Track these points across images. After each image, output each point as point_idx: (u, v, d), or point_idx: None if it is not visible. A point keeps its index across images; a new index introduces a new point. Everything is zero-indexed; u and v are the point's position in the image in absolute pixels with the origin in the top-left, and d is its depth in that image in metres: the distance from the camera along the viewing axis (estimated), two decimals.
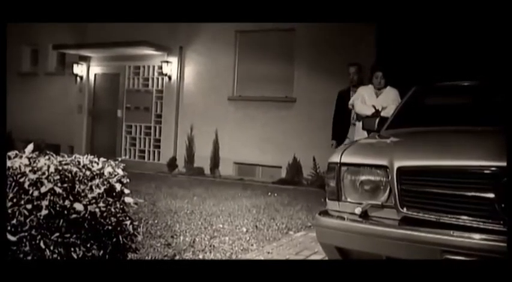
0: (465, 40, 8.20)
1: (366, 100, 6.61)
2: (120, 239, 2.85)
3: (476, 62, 7.51)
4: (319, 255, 4.16)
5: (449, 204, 2.57)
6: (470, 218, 2.51)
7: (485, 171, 2.50)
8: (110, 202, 2.82)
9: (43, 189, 2.57)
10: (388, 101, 6.46)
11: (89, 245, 2.67)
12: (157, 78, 11.88)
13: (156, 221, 5.27)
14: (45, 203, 2.55)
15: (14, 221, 2.47)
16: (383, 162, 2.85)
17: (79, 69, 12.76)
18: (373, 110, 6.37)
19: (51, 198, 2.58)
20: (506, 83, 4.48)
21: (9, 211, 2.46)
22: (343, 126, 7.23)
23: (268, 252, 4.32)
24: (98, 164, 2.93)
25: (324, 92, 8.99)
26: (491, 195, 2.45)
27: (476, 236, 2.43)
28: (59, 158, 2.81)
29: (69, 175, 2.71)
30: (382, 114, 6.04)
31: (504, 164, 2.44)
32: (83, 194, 2.71)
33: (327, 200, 3.14)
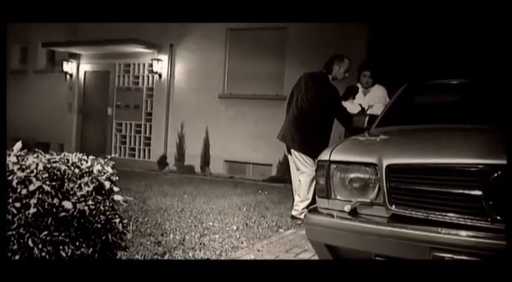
0: (456, 39, 8.24)
1: (354, 99, 6.54)
2: (110, 237, 2.85)
3: (467, 60, 7.54)
4: (309, 253, 4.17)
5: (438, 201, 2.58)
6: (458, 216, 2.52)
7: (473, 169, 2.51)
8: (99, 200, 2.82)
9: (31, 187, 2.56)
10: (375, 99, 6.39)
11: (77, 243, 2.66)
12: (148, 76, 11.84)
13: (146, 219, 5.26)
14: (33, 201, 2.54)
15: None
16: (372, 160, 2.86)
17: (69, 66, 12.71)
18: (360, 109, 6.26)
19: (40, 196, 2.57)
20: (496, 82, 4.51)
21: None
22: None
23: (258, 250, 4.32)
24: (87, 162, 2.92)
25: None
26: (479, 193, 2.46)
27: (464, 233, 2.45)
28: (48, 156, 2.80)
29: (58, 173, 2.71)
30: (369, 112, 5.94)
31: (492, 161, 2.47)
32: (71, 192, 2.70)
33: (316, 197, 3.15)
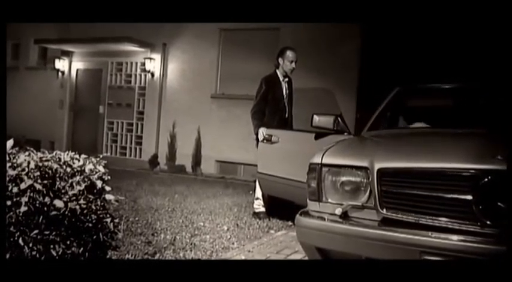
0: (450, 42, 8.28)
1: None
2: (101, 236, 2.85)
3: (461, 64, 7.58)
4: (300, 254, 4.18)
5: (428, 205, 2.60)
6: (449, 220, 2.53)
7: (464, 174, 2.53)
8: (91, 199, 2.81)
9: (23, 186, 2.55)
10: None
11: (68, 242, 2.66)
12: (140, 75, 11.83)
13: (136, 219, 5.25)
14: (24, 199, 2.53)
15: None
16: (364, 163, 2.87)
17: (61, 64, 12.66)
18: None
19: (31, 194, 2.56)
20: (488, 86, 4.55)
21: None
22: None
23: (249, 251, 4.33)
24: (79, 160, 2.92)
25: (307, 92, 9.02)
26: (469, 197, 2.48)
27: (454, 237, 2.46)
28: (40, 154, 2.79)
29: (50, 172, 2.70)
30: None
31: (482, 166, 2.48)
32: (63, 191, 2.70)
33: (307, 200, 3.15)
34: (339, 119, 4.12)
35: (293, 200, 4.98)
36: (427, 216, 2.59)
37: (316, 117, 4.17)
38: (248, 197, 7.40)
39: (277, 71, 6.00)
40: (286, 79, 6.03)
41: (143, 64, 11.54)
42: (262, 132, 5.57)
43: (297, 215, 3.11)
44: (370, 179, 2.81)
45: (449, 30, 7.84)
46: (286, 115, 6.05)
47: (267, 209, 5.87)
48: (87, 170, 2.88)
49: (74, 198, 2.71)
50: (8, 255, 2.45)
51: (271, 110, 5.91)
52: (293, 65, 5.90)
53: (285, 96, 6.02)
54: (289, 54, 5.89)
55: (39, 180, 2.61)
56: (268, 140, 5.43)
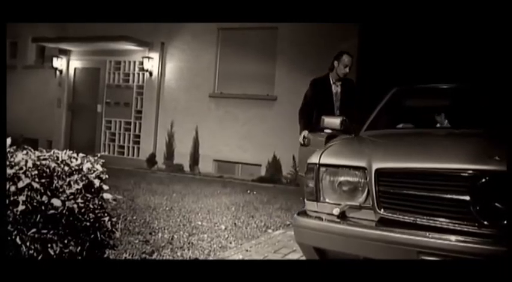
0: (448, 42, 8.30)
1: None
2: (98, 235, 2.84)
3: (458, 64, 7.60)
4: (297, 253, 4.18)
5: (426, 206, 2.60)
6: (446, 220, 2.54)
7: (461, 174, 2.53)
8: (89, 198, 2.80)
9: (20, 184, 2.54)
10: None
11: (66, 241, 2.65)
12: (138, 74, 11.82)
13: (134, 218, 5.25)
14: (22, 198, 2.53)
15: None
16: (361, 163, 2.87)
17: (59, 62, 12.63)
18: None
19: (29, 193, 2.55)
20: (486, 87, 4.56)
21: None
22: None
23: (247, 250, 4.33)
24: (76, 159, 2.91)
25: (304, 91, 9.02)
26: (467, 198, 2.48)
27: (452, 237, 2.46)
28: (37, 153, 2.79)
29: (47, 170, 2.69)
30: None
31: (479, 167, 2.49)
32: (61, 190, 2.69)
33: (305, 200, 3.16)
34: (346, 120, 4.16)
35: None
36: (425, 217, 2.60)
37: (324, 119, 4.23)
38: (246, 196, 7.41)
39: (330, 74, 6.02)
40: (339, 82, 5.99)
41: (141, 63, 11.54)
42: (304, 135, 5.66)
43: (295, 215, 3.11)
44: (367, 179, 2.81)
45: (447, 30, 7.85)
46: None
47: None
48: (84, 169, 2.87)
49: (72, 197, 2.70)
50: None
51: (319, 112, 5.70)
52: (347, 69, 5.92)
53: (335, 99, 5.99)
54: (345, 58, 5.92)
55: (36, 179, 2.61)
56: (303, 143, 5.62)
